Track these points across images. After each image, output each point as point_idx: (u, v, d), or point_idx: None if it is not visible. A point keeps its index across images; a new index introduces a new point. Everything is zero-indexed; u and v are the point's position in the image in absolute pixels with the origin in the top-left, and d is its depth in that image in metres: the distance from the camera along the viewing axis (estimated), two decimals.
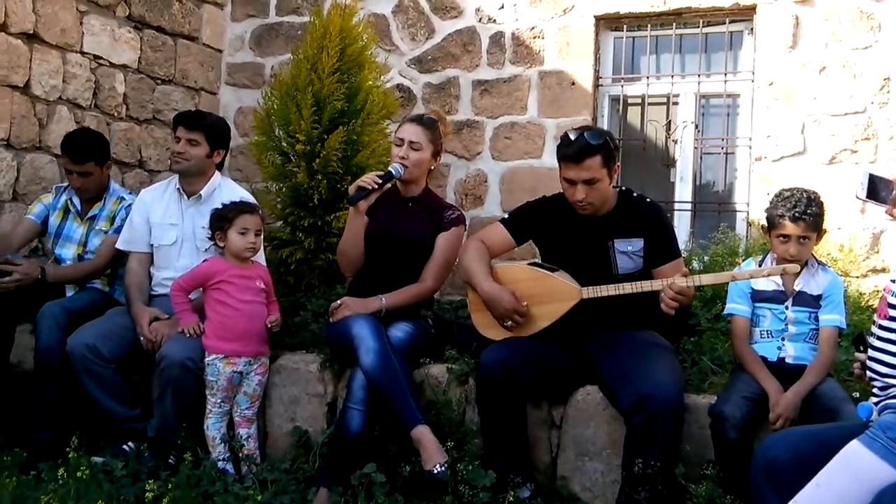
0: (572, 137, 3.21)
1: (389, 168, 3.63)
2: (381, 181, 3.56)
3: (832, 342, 3.14)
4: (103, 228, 4.14)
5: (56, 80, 4.71)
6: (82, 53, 4.88)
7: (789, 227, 3.12)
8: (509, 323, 3.31)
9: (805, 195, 3.14)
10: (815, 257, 3.29)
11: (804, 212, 3.09)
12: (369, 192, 3.55)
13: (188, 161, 3.90)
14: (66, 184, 4.23)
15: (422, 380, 3.56)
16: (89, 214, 4.15)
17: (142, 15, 5.25)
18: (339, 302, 3.60)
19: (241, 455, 3.53)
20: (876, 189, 2.31)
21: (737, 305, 3.27)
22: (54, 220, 4.17)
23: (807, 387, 3.01)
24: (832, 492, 2.07)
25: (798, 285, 3.19)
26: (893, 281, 2.29)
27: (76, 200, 4.17)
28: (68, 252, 4.13)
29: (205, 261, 3.75)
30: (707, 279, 3.11)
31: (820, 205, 3.14)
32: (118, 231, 4.07)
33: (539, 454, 3.42)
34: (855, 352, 2.55)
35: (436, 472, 3.09)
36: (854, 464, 2.07)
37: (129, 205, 4.12)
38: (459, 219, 3.77)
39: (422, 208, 3.76)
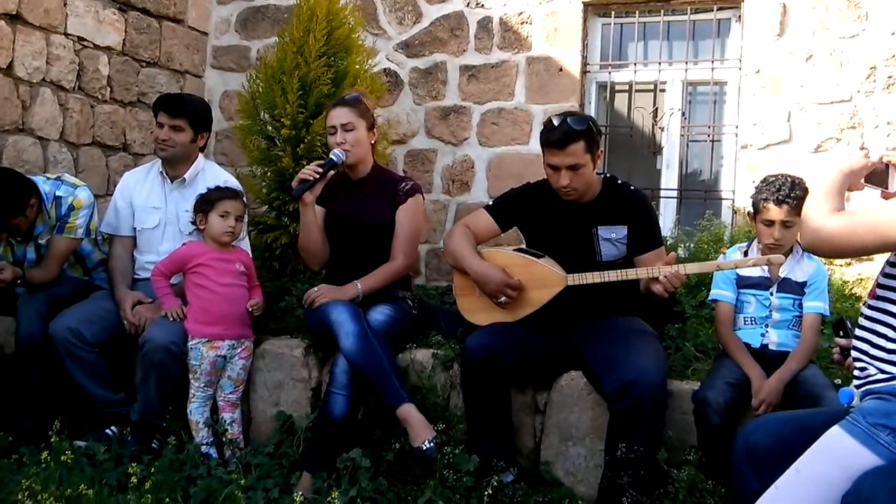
0: (555, 123, 3.20)
1: (330, 155, 3.59)
2: (322, 170, 3.52)
3: (815, 329, 3.15)
4: (49, 238, 3.89)
5: (39, 61, 4.67)
6: (66, 35, 4.83)
7: (773, 212, 3.13)
8: (503, 298, 3.30)
9: (789, 180, 3.15)
10: (800, 245, 3.29)
11: (788, 195, 3.10)
12: (313, 183, 3.52)
13: (173, 148, 3.88)
14: None
15: (407, 365, 3.56)
16: (35, 232, 3.87)
17: None
18: (316, 289, 3.59)
19: (224, 439, 3.53)
20: (873, 172, 2.32)
21: (721, 292, 3.28)
22: (2, 251, 3.90)
23: (789, 373, 3.03)
24: (813, 477, 2.07)
25: (783, 272, 3.21)
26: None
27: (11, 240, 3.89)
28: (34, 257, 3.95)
29: (184, 244, 3.74)
30: (692, 268, 3.11)
31: (804, 189, 3.13)
32: (62, 230, 3.84)
33: (523, 439, 3.43)
34: (835, 337, 2.56)
35: (425, 447, 3.10)
36: (834, 449, 2.08)
37: (71, 202, 3.84)
38: (414, 188, 3.75)
39: (374, 187, 3.74)
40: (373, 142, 3.77)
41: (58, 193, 3.86)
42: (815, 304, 3.17)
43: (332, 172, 3.58)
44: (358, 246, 3.67)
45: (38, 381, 3.66)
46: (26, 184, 3.73)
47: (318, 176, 3.51)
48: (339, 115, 3.65)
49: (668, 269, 3.03)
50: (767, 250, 3.15)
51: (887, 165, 2.32)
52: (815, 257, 3.29)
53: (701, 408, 2.97)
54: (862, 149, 2.30)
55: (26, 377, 3.65)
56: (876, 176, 2.31)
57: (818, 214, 2.16)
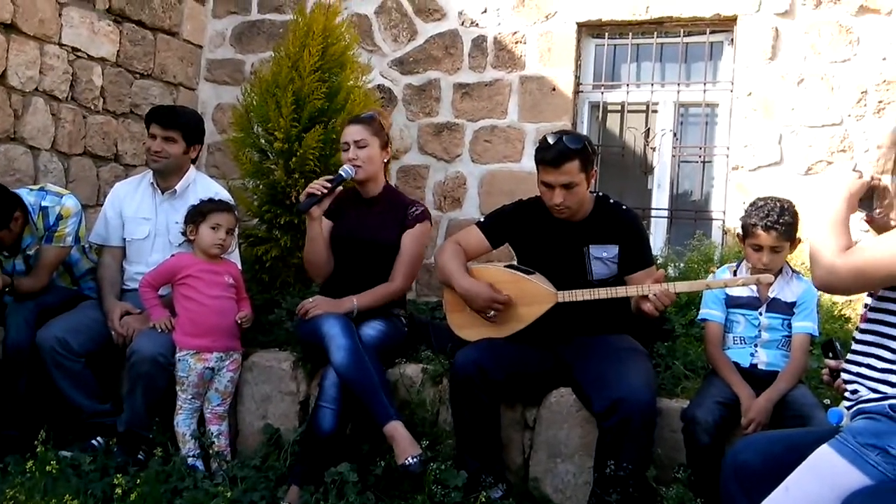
0: (551, 141, 3.22)
1: (339, 171, 3.61)
2: (330, 185, 3.54)
3: (804, 349, 3.16)
4: (37, 249, 3.87)
5: (33, 71, 4.66)
6: (60, 45, 4.82)
7: (762, 237, 3.13)
8: (491, 313, 3.30)
9: (778, 204, 3.15)
10: (789, 265, 3.31)
11: (776, 221, 3.10)
12: (321, 198, 3.53)
13: (166, 159, 3.88)
14: None
15: (396, 379, 3.55)
16: (22, 245, 3.84)
17: (122, 8, 5.20)
18: (311, 300, 3.58)
19: (211, 452, 3.50)
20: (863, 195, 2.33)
21: (711, 311, 3.28)
22: None
23: (778, 393, 3.03)
24: (801, 496, 2.07)
25: (772, 292, 3.22)
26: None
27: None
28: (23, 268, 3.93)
29: (172, 255, 3.73)
30: (682, 286, 3.13)
31: (794, 214, 3.15)
32: (50, 239, 3.82)
33: (512, 455, 3.42)
34: (825, 358, 2.57)
35: (408, 463, 3.09)
36: (823, 468, 2.08)
37: (59, 211, 3.81)
38: (424, 214, 3.77)
39: (384, 207, 3.75)
40: (385, 160, 3.78)
41: (43, 204, 3.82)
42: (804, 325, 3.18)
43: (339, 188, 3.60)
44: (360, 263, 3.67)
45: (24, 389, 3.62)
46: (9, 197, 3.69)
47: (325, 191, 3.52)
48: (353, 132, 3.67)
49: (657, 287, 3.04)
50: (756, 272, 3.16)
51: (872, 189, 2.32)
52: (805, 278, 3.30)
53: (690, 426, 2.97)
54: (854, 171, 2.30)
55: (13, 386, 3.62)
56: (863, 200, 2.32)
57: (829, 253, 2.11)
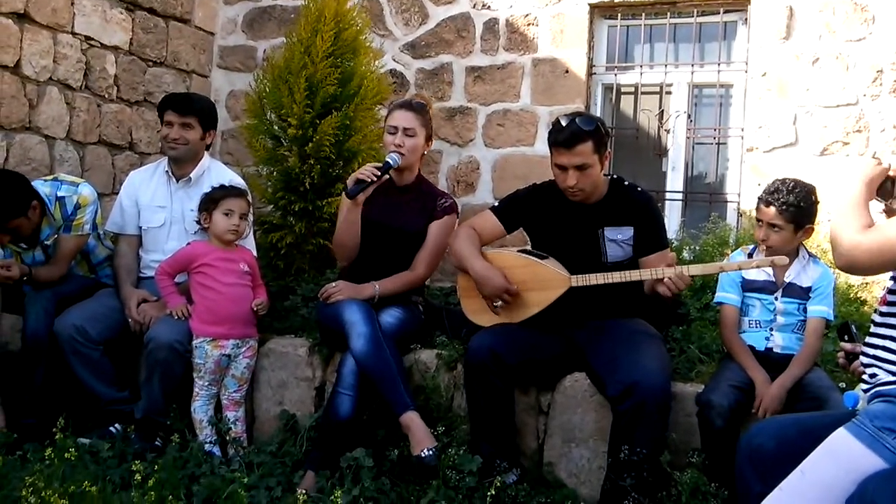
0: (564, 123, 3.21)
1: (387, 158, 3.61)
2: (379, 173, 3.52)
3: (818, 333, 3.15)
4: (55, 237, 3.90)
5: (47, 60, 4.68)
6: (73, 34, 4.84)
7: (762, 211, 3.16)
8: (499, 303, 3.30)
9: (791, 184, 3.14)
10: (806, 249, 3.29)
11: (777, 198, 3.11)
12: (368, 185, 3.51)
13: (185, 145, 3.89)
14: None
15: (411, 365, 3.56)
16: (41, 237, 3.88)
17: None
18: (333, 284, 3.59)
19: (228, 438, 3.53)
20: (881, 185, 2.30)
21: (727, 294, 3.27)
22: (14, 258, 3.89)
23: (792, 378, 3.03)
24: (817, 479, 2.07)
25: (788, 276, 3.20)
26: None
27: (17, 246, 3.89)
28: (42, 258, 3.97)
29: (188, 244, 3.74)
30: (696, 269, 3.11)
31: (804, 198, 3.12)
32: (69, 229, 3.86)
33: (526, 440, 3.43)
34: (840, 342, 2.55)
35: (423, 455, 3.10)
36: (839, 452, 2.07)
37: (76, 200, 3.85)
38: (452, 207, 3.78)
39: (415, 196, 3.76)
40: (424, 152, 3.79)
41: (59, 194, 3.86)
42: (819, 308, 3.16)
43: (387, 176, 3.59)
44: (385, 249, 3.67)
45: (42, 378, 3.67)
46: (27, 185, 3.72)
47: (375, 178, 3.50)
48: (403, 118, 3.66)
49: (671, 271, 3.02)
50: (768, 253, 3.14)
51: (891, 180, 2.29)
52: (821, 262, 3.28)
53: (704, 410, 2.97)
54: (874, 157, 2.27)
55: (32, 374, 3.67)
56: (881, 189, 2.29)
57: (849, 232, 2.09)
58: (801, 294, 3.19)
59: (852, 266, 2.12)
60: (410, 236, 3.69)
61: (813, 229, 3.21)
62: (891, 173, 2.27)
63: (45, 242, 3.89)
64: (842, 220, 2.13)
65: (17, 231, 3.73)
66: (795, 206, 3.10)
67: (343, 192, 3.59)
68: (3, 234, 3.70)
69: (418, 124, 3.66)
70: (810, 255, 3.30)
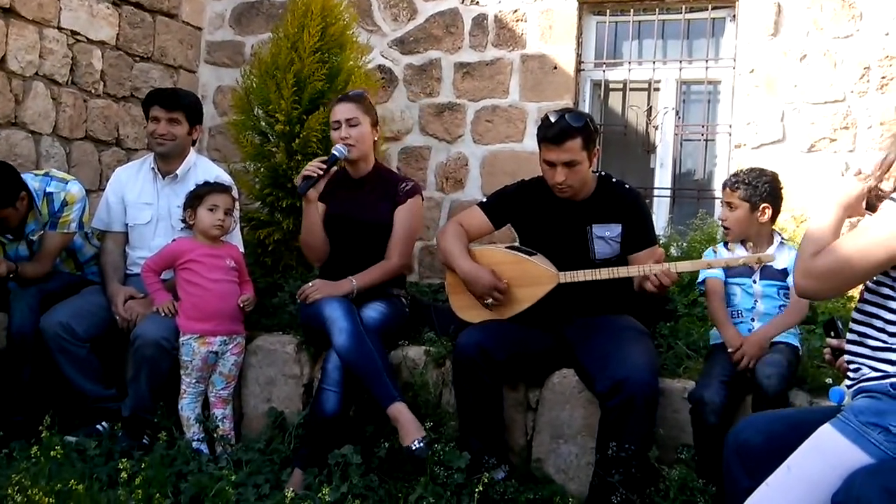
0: (553, 119, 3.21)
1: (332, 151, 3.58)
2: (326, 167, 3.51)
3: (803, 301, 3.20)
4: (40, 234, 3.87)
5: (32, 55, 4.64)
6: (59, 29, 4.81)
7: (724, 193, 3.36)
8: (490, 301, 3.30)
9: (750, 169, 3.34)
10: (780, 234, 3.38)
11: (732, 180, 3.31)
12: (317, 180, 3.51)
13: (172, 141, 3.88)
14: None
15: (399, 362, 3.56)
16: (25, 231, 3.84)
17: None
18: (311, 284, 3.58)
19: (215, 435, 3.52)
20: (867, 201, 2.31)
21: (709, 272, 3.33)
22: None
23: (775, 328, 3.14)
24: (803, 474, 2.07)
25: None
26: None
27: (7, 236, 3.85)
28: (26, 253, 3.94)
29: (173, 240, 3.73)
30: (683, 266, 3.13)
31: (756, 178, 3.27)
32: (54, 226, 3.84)
33: (514, 436, 3.43)
34: (826, 338, 2.56)
35: (414, 447, 3.10)
36: (825, 447, 2.07)
37: (64, 197, 3.82)
38: (415, 189, 3.76)
39: (375, 185, 3.75)
40: (375, 139, 3.77)
41: (48, 189, 3.84)
42: None
43: (335, 168, 3.59)
44: (355, 243, 3.67)
45: (29, 375, 3.64)
46: (16, 176, 3.70)
47: (321, 172, 3.50)
48: (343, 110, 3.66)
49: (658, 268, 3.03)
50: (724, 232, 3.34)
51: (873, 191, 2.29)
52: (794, 246, 3.34)
53: (698, 407, 2.98)
54: (857, 174, 2.26)
55: (18, 371, 3.64)
56: (868, 205, 2.29)
57: (802, 260, 2.10)
58: (777, 276, 3.26)
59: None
60: (377, 227, 3.68)
61: (770, 209, 3.29)
62: (869, 184, 2.26)
63: (31, 238, 3.86)
64: (801, 248, 2.15)
65: (3, 221, 3.71)
66: (747, 184, 3.26)
67: (297, 191, 3.59)
68: None
69: (360, 112, 3.66)
70: (783, 239, 3.38)
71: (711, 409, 2.94)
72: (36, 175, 3.89)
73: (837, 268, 2.04)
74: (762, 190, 3.25)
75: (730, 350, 3.10)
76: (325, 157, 3.58)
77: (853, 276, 2.06)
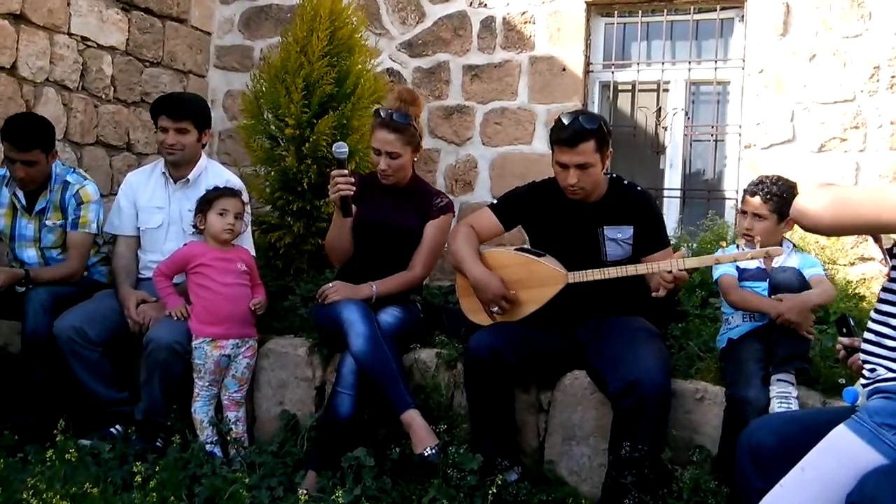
0: (566, 122, 3.21)
1: (335, 155, 3.47)
2: (349, 175, 3.45)
3: (822, 281, 3.20)
4: (56, 222, 3.97)
5: (43, 61, 4.67)
6: (70, 35, 4.84)
7: (747, 201, 3.28)
8: (495, 309, 3.31)
9: (772, 178, 3.28)
10: (790, 241, 3.39)
11: (760, 189, 3.24)
12: (350, 195, 3.48)
13: (182, 150, 3.89)
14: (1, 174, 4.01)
15: (411, 364, 3.56)
16: (36, 208, 3.96)
17: None
18: (331, 285, 3.58)
19: (228, 438, 3.53)
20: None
21: (724, 268, 3.31)
22: (4, 221, 4.00)
23: (812, 300, 3.09)
24: (817, 475, 2.07)
25: (776, 264, 3.26)
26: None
27: (20, 194, 3.96)
28: (30, 253, 4.00)
29: (185, 244, 3.74)
30: (692, 262, 3.13)
31: (787, 190, 3.22)
32: (75, 226, 3.95)
33: (527, 438, 3.43)
34: (839, 336, 2.56)
35: (426, 454, 3.10)
36: (840, 448, 2.07)
37: (77, 190, 3.95)
38: (448, 206, 3.77)
39: (410, 195, 3.75)
40: (416, 159, 3.76)
41: (67, 179, 3.98)
42: (814, 271, 3.24)
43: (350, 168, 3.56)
44: (380, 249, 3.67)
45: (41, 377, 3.66)
46: (51, 127, 3.93)
47: (353, 186, 3.47)
48: (386, 141, 3.56)
49: (666, 264, 3.03)
50: (746, 242, 3.22)
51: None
52: (804, 252, 3.35)
53: (739, 407, 2.93)
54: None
55: (31, 372, 3.66)
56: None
57: (809, 187, 2.15)
58: None
59: (801, 211, 2.15)
60: (406, 236, 3.68)
61: (794, 221, 3.25)
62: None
63: (45, 223, 3.94)
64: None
65: (30, 169, 3.81)
66: (779, 196, 3.21)
67: (337, 212, 3.56)
68: (21, 165, 3.79)
69: (401, 144, 3.58)
70: (794, 245, 3.38)
71: (755, 408, 2.90)
72: (62, 164, 4.04)
73: (843, 199, 2.04)
74: (790, 202, 3.16)
75: (773, 315, 3.06)
76: (343, 171, 3.45)
77: (855, 216, 2.03)
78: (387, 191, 3.73)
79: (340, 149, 3.45)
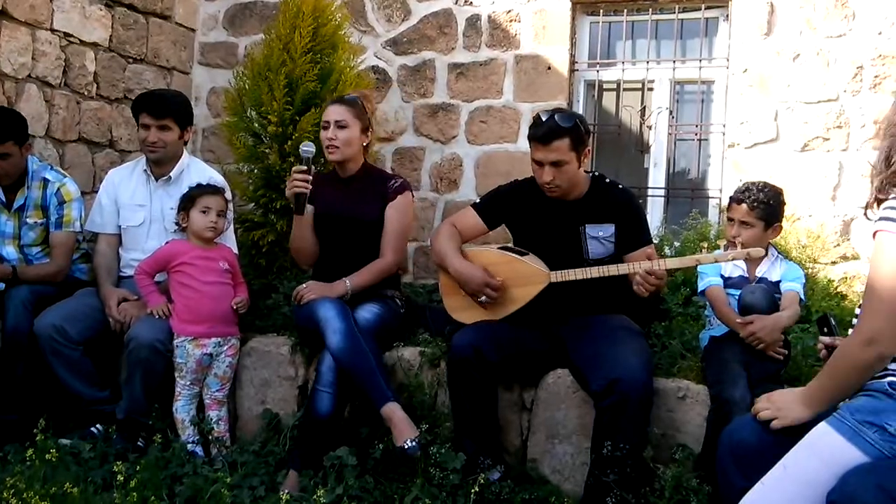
0: (543, 119, 3.24)
1: (302, 154, 3.54)
2: (309, 176, 3.49)
3: (794, 301, 3.21)
4: (37, 220, 3.92)
5: (25, 57, 4.63)
6: (52, 31, 4.79)
7: (734, 209, 3.26)
8: (483, 298, 3.31)
9: (759, 185, 3.26)
10: (776, 248, 3.37)
11: (747, 196, 3.22)
12: (307, 193, 3.50)
13: (164, 148, 3.87)
14: None
15: (394, 363, 3.55)
16: (15, 205, 3.89)
17: None
18: (304, 285, 3.58)
19: (210, 437, 3.52)
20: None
21: (710, 279, 3.32)
22: None
23: (786, 319, 3.11)
24: (799, 473, 2.07)
25: (760, 271, 3.29)
26: None
27: None
28: (9, 250, 3.93)
29: (167, 242, 3.72)
30: (673, 263, 3.14)
31: (773, 197, 3.23)
32: (59, 225, 3.92)
33: (510, 437, 3.43)
34: (820, 335, 2.57)
35: (406, 447, 3.10)
36: (821, 446, 2.08)
37: (58, 189, 3.92)
38: (404, 185, 3.77)
39: (363, 183, 3.75)
40: (365, 144, 3.76)
41: (46, 176, 3.93)
42: (791, 285, 3.25)
43: (314, 168, 3.56)
44: (346, 242, 3.66)
45: (22, 372, 3.63)
46: (26, 125, 3.88)
47: (308, 182, 3.49)
48: (334, 112, 3.67)
49: (648, 264, 3.04)
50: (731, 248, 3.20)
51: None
52: (790, 261, 3.36)
53: (725, 407, 2.93)
54: None
55: (12, 371, 3.63)
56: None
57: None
58: (773, 288, 3.25)
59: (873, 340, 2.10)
60: (367, 224, 3.68)
61: (781, 227, 3.33)
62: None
63: (26, 220, 3.89)
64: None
65: (4, 162, 3.75)
66: (765, 204, 3.21)
67: (294, 211, 3.58)
68: None
69: (350, 116, 3.66)
70: (779, 253, 3.39)
71: (741, 407, 2.89)
72: (38, 161, 3.99)
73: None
74: (777, 209, 3.25)
75: (743, 334, 3.08)
76: (303, 168, 3.50)
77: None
78: (340, 182, 3.75)
79: (307, 147, 3.52)
